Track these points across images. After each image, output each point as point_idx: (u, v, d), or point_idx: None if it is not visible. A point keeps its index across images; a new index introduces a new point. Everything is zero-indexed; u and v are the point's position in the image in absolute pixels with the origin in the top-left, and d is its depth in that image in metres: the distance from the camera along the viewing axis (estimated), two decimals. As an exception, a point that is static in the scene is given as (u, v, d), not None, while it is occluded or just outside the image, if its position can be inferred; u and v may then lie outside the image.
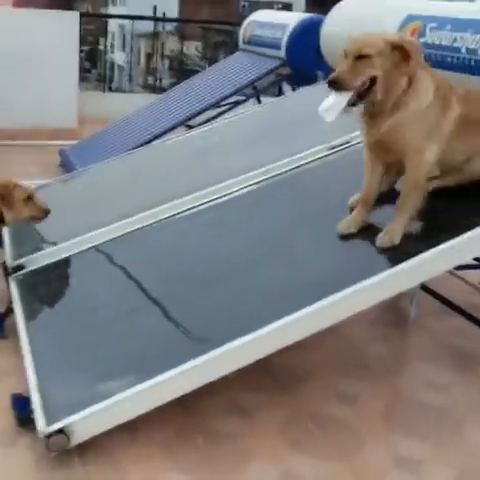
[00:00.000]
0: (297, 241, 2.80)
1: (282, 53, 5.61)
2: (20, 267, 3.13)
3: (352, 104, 2.31)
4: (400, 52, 2.31)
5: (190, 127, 5.21)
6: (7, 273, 3.12)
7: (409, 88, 2.35)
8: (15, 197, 3.01)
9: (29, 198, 3.06)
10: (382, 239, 2.44)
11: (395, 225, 2.45)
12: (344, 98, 2.28)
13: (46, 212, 3.08)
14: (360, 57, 2.29)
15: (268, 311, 2.34)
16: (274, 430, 2.36)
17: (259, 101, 6.08)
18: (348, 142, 3.38)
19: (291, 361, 2.78)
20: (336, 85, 2.27)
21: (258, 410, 2.47)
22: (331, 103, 2.30)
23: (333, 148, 3.40)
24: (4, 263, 3.20)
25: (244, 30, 6.40)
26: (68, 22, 6.43)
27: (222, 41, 9.43)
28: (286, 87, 6.30)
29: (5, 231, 3.47)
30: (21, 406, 2.30)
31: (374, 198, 2.57)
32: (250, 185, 3.30)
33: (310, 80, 5.07)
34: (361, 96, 2.32)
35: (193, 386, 2.20)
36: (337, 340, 3.00)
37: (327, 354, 2.92)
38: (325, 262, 2.59)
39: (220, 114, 5.49)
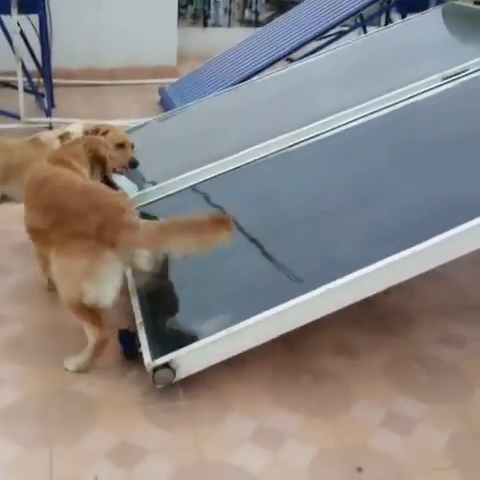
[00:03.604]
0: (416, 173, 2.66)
1: (391, -23, 5.32)
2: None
3: None
4: None
5: (291, 61, 5.06)
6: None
7: None
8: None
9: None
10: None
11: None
12: None
13: (133, 164, 3.07)
14: None
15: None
16: (379, 371, 2.32)
17: (365, 31, 5.82)
18: (464, 71, 3.19)
19: (398, 304, 2.71)
20: None
21: (363, 351, 2.43)
22: None
23: (447, 78, 3.22)
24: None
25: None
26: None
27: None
28: (394, 16, 6.01)
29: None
30: (127, 341, 2.36)
31: None
32: (361, 117, 3.17)
33: (421, 6, 4.80)
34: None
35: (297, 324, 2.17)
36: (443, 283, 2.89)
37: (434, 297, 2.82)
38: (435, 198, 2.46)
39: (323, 46, 5.29)
